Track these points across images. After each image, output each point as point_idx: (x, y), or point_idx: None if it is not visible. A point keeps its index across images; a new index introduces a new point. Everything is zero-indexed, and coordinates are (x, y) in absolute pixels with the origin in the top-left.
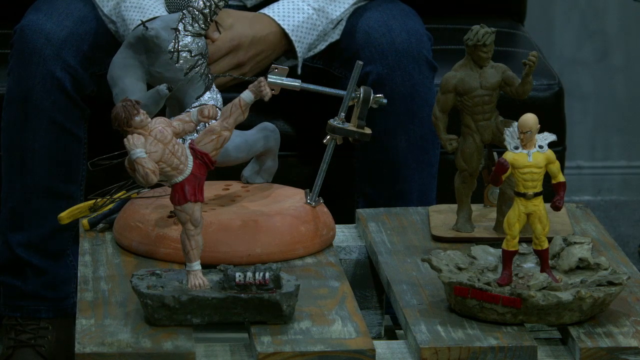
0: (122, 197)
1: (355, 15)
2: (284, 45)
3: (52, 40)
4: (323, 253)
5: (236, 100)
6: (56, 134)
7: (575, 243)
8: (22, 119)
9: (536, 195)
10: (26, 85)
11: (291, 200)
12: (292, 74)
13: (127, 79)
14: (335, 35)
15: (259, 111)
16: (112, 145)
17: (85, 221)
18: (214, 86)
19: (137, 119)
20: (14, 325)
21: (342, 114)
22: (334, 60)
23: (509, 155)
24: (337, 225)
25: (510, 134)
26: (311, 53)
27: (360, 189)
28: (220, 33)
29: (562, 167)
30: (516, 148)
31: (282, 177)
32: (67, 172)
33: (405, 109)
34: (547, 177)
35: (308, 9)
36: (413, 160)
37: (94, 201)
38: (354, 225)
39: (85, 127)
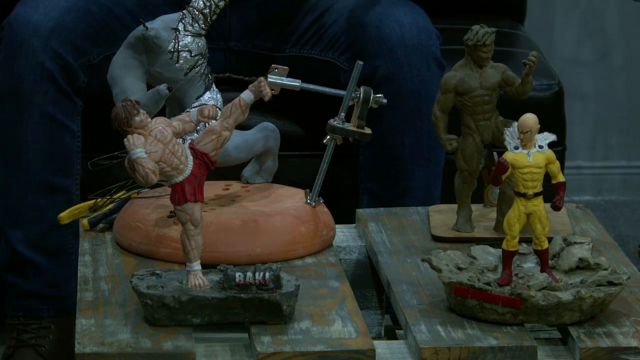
0: (122, 197)
1: (365, 10)
2: None
3: (40, 32)
4: (323, 253)
5: (236, 100)
6: (49, 126)
7: (575, 243)
8: (14, 113)
9: (536, 195)
10: (16, 78)
11: (291, 200)
12: (292, 73)
13: (127, 79)
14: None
15: (259, 111)
16: (105, 139)
17: (85, 221)
18: (214, 86)
19: (137, 119)
20: (16, 324)
21: (342, 114)
22: (342, 53)
23: (509, 155)
24: (337, 225)
25: (510, 134)
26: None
27: (365, 185)
28: None
29: (562, 167)
30: (516, 148)
31: (282, 177)
32: (61, 166)
33: (412, 105)
34: (547, 177)
35: None
36: (419, 157)
37: (94, 201)
38: (354, 225)
39: (78, 121)
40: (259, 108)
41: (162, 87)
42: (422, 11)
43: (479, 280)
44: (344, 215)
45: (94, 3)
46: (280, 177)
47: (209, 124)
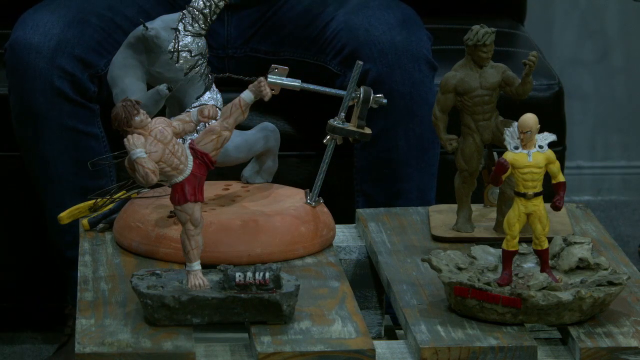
0: (122, 197)
1: (355, 13)
2: None
3: (43, 52)
4: (323, 253)
5: (236, 100)
6: (71, 137)
7: (575, 243)
8: (35, 133)
9: (536, 195)
10: (29, 101)
11: (291, 200)
12: (294, 73)
13: (127, 79)
14: None
15: (259, 111)
16: None
17: (85, 221)
18: (214, 86)
19: (137, 119)
20: (72, 314)
21: (342, 114)
22: (333, 57)
23: (509, 155)
24: (337, 225)
25: (510, 134)
26: None
27: (359, 188)
28: None
29: (562, 167)
30: (516, 148)
31: (282, 177)
32: (93, 170)
33: (404, 108)
34: (547, 177)
35: None
36: (412, 159)
37: (94, 201)
38: (354, 225)
39: (99, 123)
40: (259, 108)
41: (162, 87)
42: (413, 12)
43: (479, 280)
44: (344, 215)
45: (94, 15)
46: (280, 177)
47: (209, 124)
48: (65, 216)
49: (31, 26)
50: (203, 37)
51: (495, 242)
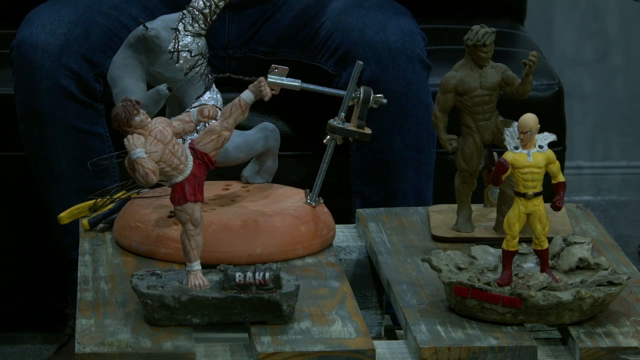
0: (122, 197)
1: (349, 14)
2: None
3: (49, 51)
4: (323, 253)
5: (236, 100)
6: (76, 137)
7: (575, 243)
8: (39, 132)
9: (536, 195)
10: (35, 100)
11: (291, 200)
12: (292, 73)
13: (127, 79)
14: None
15: (259, 111)
16: None
17: (85, 221)
18: (214, 86)
19: (137, 119)
20: (73, 314)
21: (342, 114)
22: (328, 58)
23: (509, 155)
24: (337, 225)
25: (510, 134)
26: None
27: (356, 188)
28: None
29: (562, 167)
30: (516, 148)
31: (282, 177)
32: (97, 170)
33: (399, 107)
34: (547, 177)
35: None
36: (408, 159)
37: (94, 201)
38: (354, 225)
39: (103, 123)
40: (259, 108)
41: (162, 87)
42: (408, 13)
43: (479, 280)
44: (343, 215)
45: (99, 14)
46: (280, 177)
47: (209, 124)
48: (65, 216)
49: (37, 25)
50: (203, 37)
51: (495, 242)
